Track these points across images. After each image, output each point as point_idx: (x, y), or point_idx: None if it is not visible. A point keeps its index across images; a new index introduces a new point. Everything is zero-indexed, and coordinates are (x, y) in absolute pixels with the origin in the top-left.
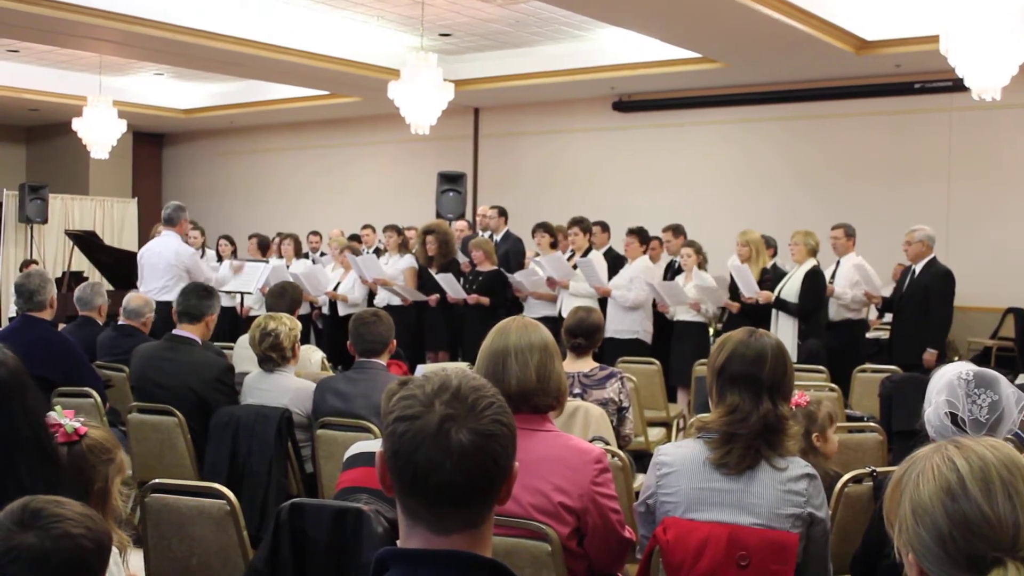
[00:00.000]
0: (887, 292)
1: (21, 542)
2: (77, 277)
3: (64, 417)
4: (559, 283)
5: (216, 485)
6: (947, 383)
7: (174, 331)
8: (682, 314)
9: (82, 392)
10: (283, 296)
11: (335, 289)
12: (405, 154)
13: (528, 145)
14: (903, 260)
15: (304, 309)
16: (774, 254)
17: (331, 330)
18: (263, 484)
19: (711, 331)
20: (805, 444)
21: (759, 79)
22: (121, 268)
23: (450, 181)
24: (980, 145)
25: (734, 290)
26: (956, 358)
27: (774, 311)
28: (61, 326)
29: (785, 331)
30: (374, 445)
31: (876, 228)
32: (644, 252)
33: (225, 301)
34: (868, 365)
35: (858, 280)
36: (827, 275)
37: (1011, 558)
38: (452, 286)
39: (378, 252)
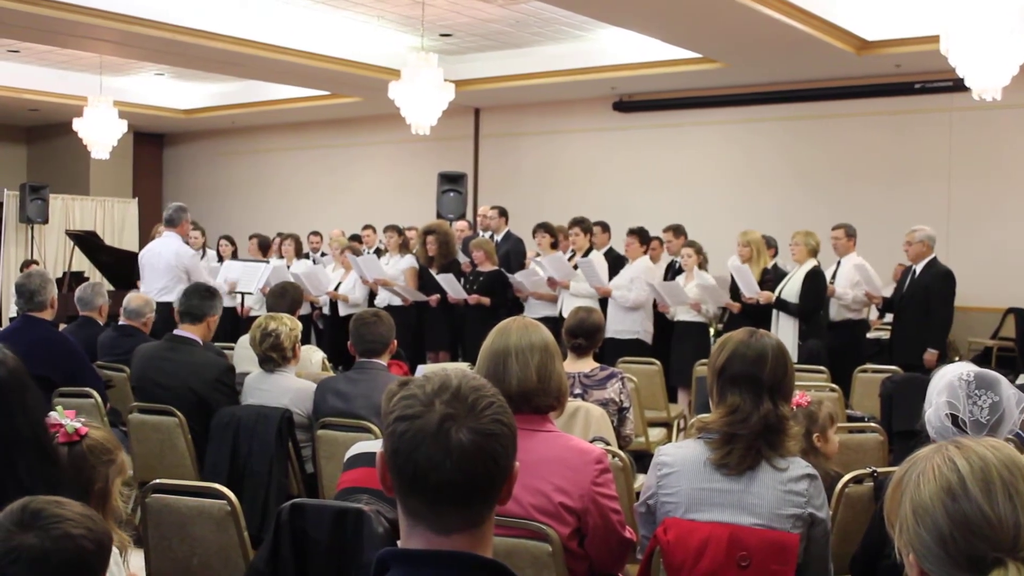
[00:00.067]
0: (888, 292)
1: (21, 542)
2: (78, 277)
3: (65, 417)
4: (560, 283)
5: (217, 485)
6: (948, 384)
7: (175, 331)
8: (683, 314)
9: (83, 392)
10: (284, 296)
11: (336, 289)
12: (406, 154)
13: (529, 145)
14: (904, 260)
15: (305, 309)
16: (775, 254)
17: (332, 330)
18: (264, 484)
19: (712, 331)
20: (806, 444)
21: (760, 79)
22: (122, 268)
23: (451, 181)
24: (980, 145)
25: (735, 290)
26: (957, 358)
27: (775, 311)
28: (62, 326)
29: (786, 331)
30: (375, 445)
31: (877, 228)
32: (644, 252)
33: (226, 301)
34: (869, 365)
35: (859, 280)
36: (828, 275)
37: (1012, 558)
38: (453, 286)
39: (379, 252)
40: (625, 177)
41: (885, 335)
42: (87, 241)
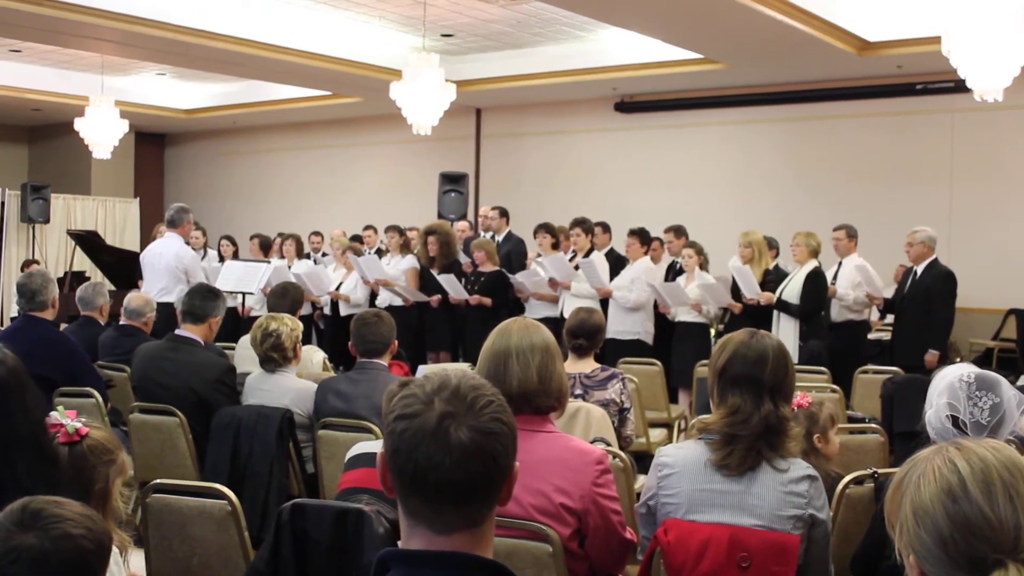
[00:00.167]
0: (888, 293)
1: (21, 543)
2: (79, 277)
3: (65, 417)
4: (561, 284)
5: (217, 485)
6: (948, 385)
7: (176, 331)
8: (683, 315)
9: (84, 392)
10: (284, 296)
11: (337, 290)
12: (407, 154)
13: (530, 146)
14: (905, 261)
15: (306, 310)
16: (776, 255)
17: (332, 330)
18: (264, 485)
19: (712, 332)
20: (806, 445)
21: (761, 80)
22: (123, 268)
23: (452, 181)
24: (982, 146)
25: (735, 291)
26: (958, 359)
27: (775, 312)
28: (63, 326)
29: (787, 332)
30: (375, 446)
31: (878, 229)
32: (645, 253)
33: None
34: (870, 366)
35: (860, 281)
36: (829, 276)
37: (1012, 560)
38: (454, 287)
39: (380, 253)
40: (626, 178)
41: (886, 336)
42: (88, 241)
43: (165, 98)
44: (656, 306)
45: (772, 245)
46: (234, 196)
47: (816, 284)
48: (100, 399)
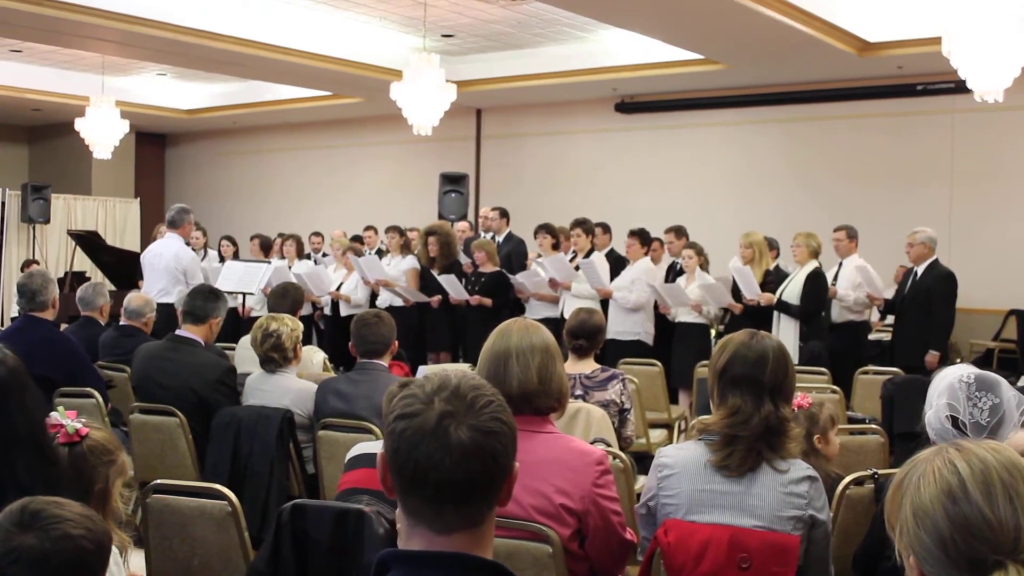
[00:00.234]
0: (889, 294)
1: (21, 543)
2: (79, 277)
3: (66, 418)
4: (561, 284)
5: (217, 486)
6: (948, 386)
7: (177, 331)
8: (684, 316)
9: (84, 392)
10: (285, 297)
11: (337, 290)
12: (407, 155)
13: (530, 146)
14: (905, 262)
15: (306, 310)
16: (777, 256)
17: (333, 331)
18: (264, 485)
19: (713, 333)
20: (806, 446)
21: (761, 81)
22: (123, 268)
23: (452, 182)
24: (982, 147)
25: (736, 292)
26: (958, 360)
27: (776, 313)
28: (63, 326)
29: (787, 333)
30: (376, 446)
31: (878, 230)
32: (646, 253)
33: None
34: (870, 367)
35: (860, 282)
36: (829, 277)
37: (1012, 561)
38: (454, 287)
39: (380, 253)
40: (626, 178)
41: (886, 337)
42: (89, 241)
43: (166, 98)
44: (656, 307)
45: (773, 246)
46: (234, 196)
47: (816, 285)
48: (100, 399)
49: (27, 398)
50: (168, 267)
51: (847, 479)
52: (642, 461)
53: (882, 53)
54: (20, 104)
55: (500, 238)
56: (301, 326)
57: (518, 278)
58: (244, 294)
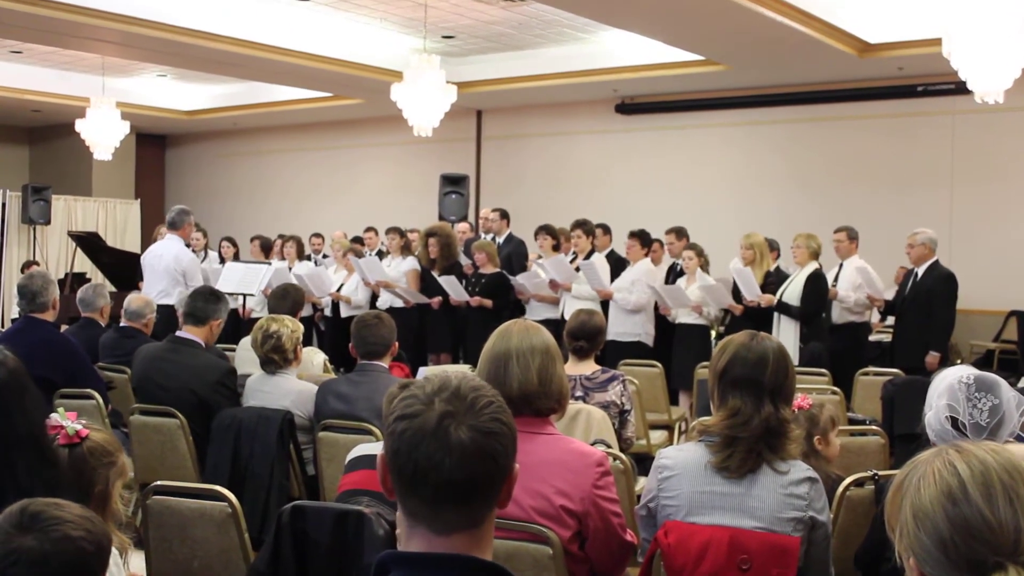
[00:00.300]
0: (889, 295)
1: (20, 545)
2: (80, 278)
3: (66, 419)
4: (561, 286)
5: (218, 487)
6: (948, 387)
7: (177, 332)
8: (684, 317)
9: (84, 394)
10: (285, 298)
11: (338, 291)
12: (407, 156)
13: (530, 147)
14: (905, 263)
15: (306, 311)
16: (777, 257)
17: (333, 332)
18: (265, 486)
19: (713, 334)
20: (807, 447)
21: (762, 82)
22: (123, 269)
23: (452, 183)
24: (983, 148)
25: (736, 293)
26: (959, 361)
27: (776, 314)
28: (64, 327)
29: (787, 334)
30: (376, 448)
31: (879, 231)
32: (646, 255)
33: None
34: (870, 368)
35: (861, 283)
36: (829, 278)
37: (1012, 562)
38: (455, 288)
39: (381, 254)
40: (627, 179)
41: (887, 338)
42: (89, 242)
43: (166, 99)
44: (657, 308)
45: (773, 247)
46: (235, 197)
47: (817, 286)
48: (101, 401)
49: (27, 399)
50: (168, 269)
51: (847, 480)
52: (642, 462)
53: (883, 54)
54: (20, 105)
55: (500, 239)
56: (301, 327)
57: (518, 279)
58: (244, 295)
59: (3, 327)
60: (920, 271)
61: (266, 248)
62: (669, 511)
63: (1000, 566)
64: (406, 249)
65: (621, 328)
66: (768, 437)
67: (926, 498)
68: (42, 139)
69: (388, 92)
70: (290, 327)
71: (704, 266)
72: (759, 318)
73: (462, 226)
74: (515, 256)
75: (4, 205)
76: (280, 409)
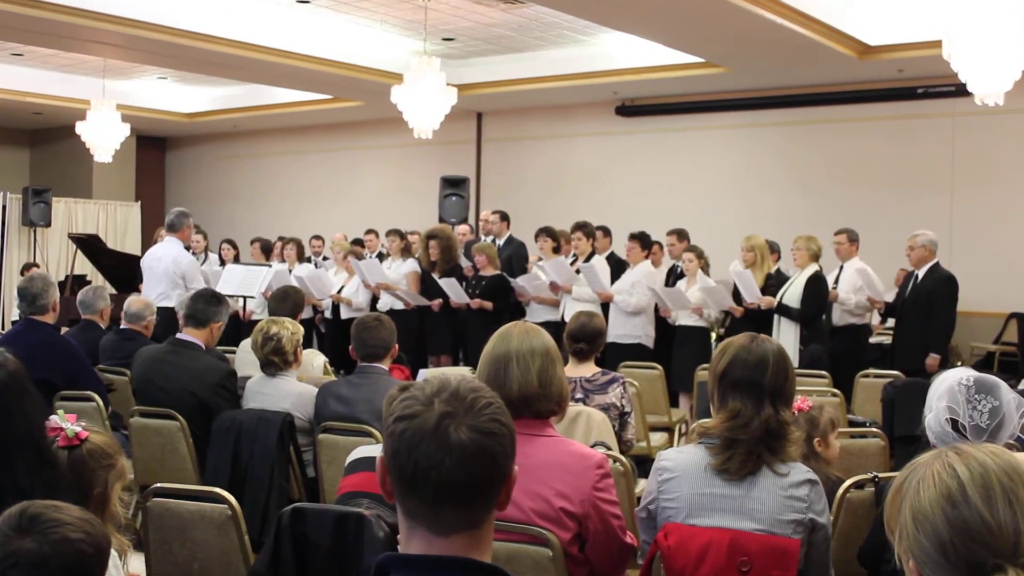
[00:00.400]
0: (890, 297)
1: (20, 547)
2: (80, 281)
3: (65, 421)
4: (562, 288)
5: (218, 489)
6: (948, 389)
7: (177, 335)
8: (684, 319)
9: (84, 396)
10: (285, 300)
11: (338, 293)
12: (408, 158)
13: (531, 149)
14: (906, 265)
15: (306, 313)
16: (778, 259)
17: (333, 334)
18: (265, 488)
19: (713, 336)
20: (807, 449)
21: (762, 84)
22: (124, 271)
23: (453, 185)
24: (983, 150)
25: (736, 295)
26: (959, 363)
27: (776, 316)
28: (64, 330)
29: (787, 336)
30: (376, 450)
31: (879, 233)
32: (646, 257)
33: None
34: (871, 370)
35: (861, 285)
36: (830, 280)
37: (1012, 565)
38: (455, 290)
39: (381, 256)
40: (627, 181)
41: (887, 340)
42: (89, 244)
43: (166, 102)
44: (657, 310)
45: (773, 249)
46: (235, 200)
47: (817, 288)
48: (101, 403)
49: (27, 401)
50: (167, 271)
51: (847, 482)
52: (642, 464)
53: (883, 56)
54: (21, 108)
55: (501, 241)
56: (301, 330)
57: (519, 281)
58: (245, 297)
59: (3, 329)
60: (920, 273)
61: (266, 250)
62: (669, 513)
63: (999, 568)
64: (406, 251)
65: (621, 330)
66: (768, 439)
67: (925, 500)
68: (43, 141)
69: (388, 94)
70: (290, 329)
71: (704, 268)
72: (759, 320)
73: (462, 228)
74: (515, 258)
75: (4, 207)
76: (280, 411)
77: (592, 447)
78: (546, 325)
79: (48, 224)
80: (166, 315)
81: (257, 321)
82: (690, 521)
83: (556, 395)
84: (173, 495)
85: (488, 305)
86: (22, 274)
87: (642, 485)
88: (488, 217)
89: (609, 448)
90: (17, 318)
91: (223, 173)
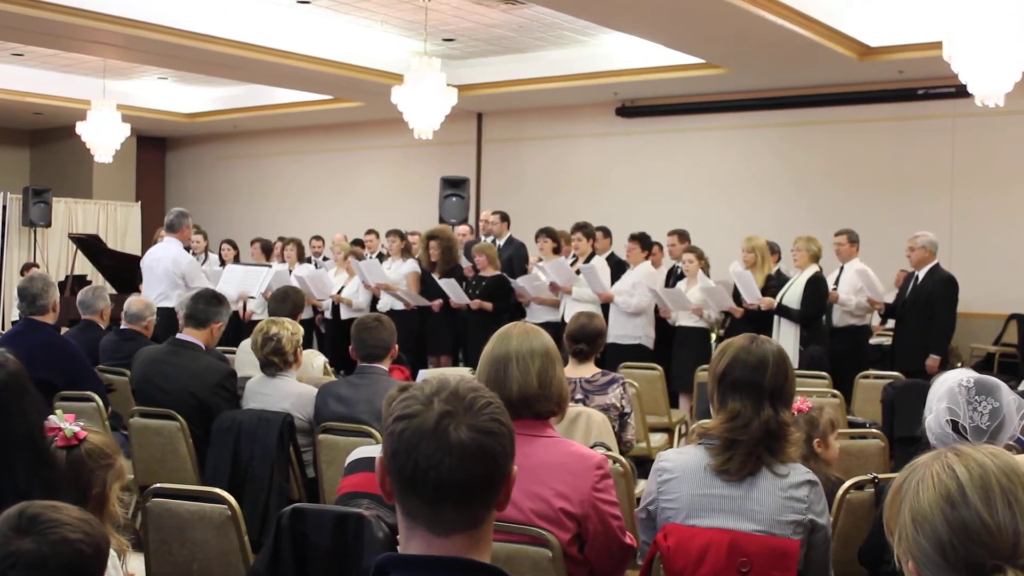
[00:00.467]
0: (890, 298)
1: (19, 548)
2: (80, 281)
3: (64, 421)
4: (562, 288)
5: (217, 490)
6: (948, 390)
7: (178, 335)
8: (684, 320)
9: (84, 396)
10: (285, 301)
11: (339, 294)
12: (408, 159)
13: (531, 150)
14: (906, 266)
15: (307, 314)
16: (778, 260)
17: (333, 335)
18: (264, 489)
19: (713, 337)
20: (806, 450)
21: (762, 85)
22: (124, 272)
23: (453, 186)
24: (983, 151)
25: (736, 296)
26: (959, 364)
27: (776, 317)
28: (64, 330)
29: (787, 337)
30: (376, 450)
31: (879, 234)
32: (646, 257)
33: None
34: (870, 371)
35: (861, 286)
36: (830, 281)
37: (1011, 566)
38: (455, 291)
39: (381, 257)
40: (628, 182)
41: (887, 341)
42: (90, 244)
43: (167, 102)
44: (657, 311)
45: (774, 250)
46: (235, 200)
47: (817, 289)
48: (101, 403)
49: (26, 401)
50: (166, 271)
51: (847, 483)
52: (642, 465)
53: (883, 57)
54: (21, 108)
55: (501, 242)
56: (301, 330)
57: (519, 282)
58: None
59: (3, 329)
60: (920, 274)
61: (266, 250)
62: (669, 514)
63: (999, 569)
64: (406, 252)
65: (621, 331)
66: (768, 440)
67: (925, 501)
68: (43, 141)
69: (388, 95)
70: (290, 329)
71: (704, 269)
72: (759, 321)
73: (462, 229)
74: (515, 259)
75: (5, 207)
76: (280, 411)
77: (592, 448)
78: (546, 326)
79: (48, 224)
80: (166, 315)
81: (257, 321)
82: (690, 522)
83: (556, 396)
84: (173, 495)
85: (488, 306)
86: (22, 274)
87: (642, 486)
88: (488, 218)
89: (609, 449)
90: (17, 318)
91: (223, 173)
